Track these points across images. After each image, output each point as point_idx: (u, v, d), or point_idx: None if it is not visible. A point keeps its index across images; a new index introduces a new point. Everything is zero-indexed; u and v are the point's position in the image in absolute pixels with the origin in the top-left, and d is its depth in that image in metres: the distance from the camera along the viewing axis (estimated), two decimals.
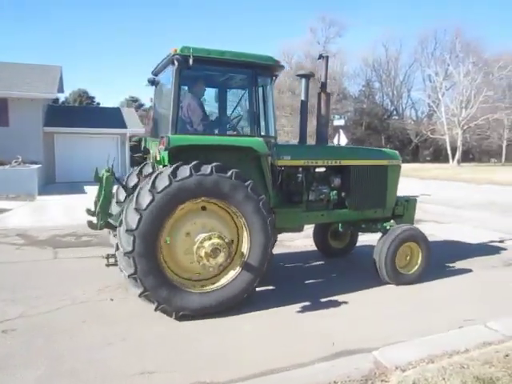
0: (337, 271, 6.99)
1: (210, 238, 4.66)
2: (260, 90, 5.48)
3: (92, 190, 17.32)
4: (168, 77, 5.26)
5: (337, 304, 5.41)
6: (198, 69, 5.08)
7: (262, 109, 5.50)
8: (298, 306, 5.27)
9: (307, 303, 5.36)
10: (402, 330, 4.63)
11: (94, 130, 22.81)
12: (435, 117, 48.63)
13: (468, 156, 57.18)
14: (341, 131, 15.41)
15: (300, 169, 5.94)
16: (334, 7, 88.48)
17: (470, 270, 6.96)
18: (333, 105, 46.11)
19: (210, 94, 6.08)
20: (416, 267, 6.24)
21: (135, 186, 5.61)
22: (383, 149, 7.39)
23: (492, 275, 6.79)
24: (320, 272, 6.99)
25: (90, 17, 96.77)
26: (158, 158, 5.02)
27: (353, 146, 7.16)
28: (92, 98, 54.06)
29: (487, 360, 3.71)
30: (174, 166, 4.63)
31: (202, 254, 4.64)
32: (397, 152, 7.02)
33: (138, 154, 6.50)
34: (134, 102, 52.43)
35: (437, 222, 11.81)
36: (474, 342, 4.23)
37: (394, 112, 61.56)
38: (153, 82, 6.14)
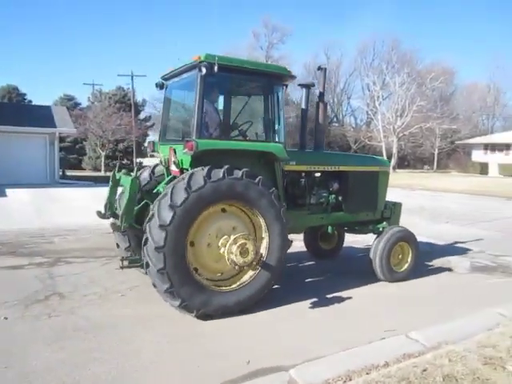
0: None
1: (239, 239, 4.87)
2: (274, 97, 5.66)
3: (14, 194, 16.06)
4: (188, 82, 5.50)
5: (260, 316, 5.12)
6: (220, 76, 5.21)
7: (276, 116, 5.67)
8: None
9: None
10: (326, 342, 4.41)
11: (20, 128, 21.31)
12: (373, 124, 50.33)
13: (404, 163, 59.67)
14: None
15: (303, 174, 6.32)
16: (276, 13, 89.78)
17: None
18: None
19: (227, 100, 6.45)
20: (406, 265, 6.74)
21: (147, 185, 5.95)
22: (375, 156, 7.90)
23: (416, 282, 6.78)
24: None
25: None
26: (176, 161, 5.26)
27: (348, 153, 8.18)
28: (23, 95, 51.02)
29: (404, 376, 3.52)
30: (207, 168, 4.80)
31: (233, 253, 4.82)
32: (386, 159, 7.53)
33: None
34: (70, 101, 50.01)
35: None
36: (395, 355, 4.06)
37: (335, 119, 63.13)
38: (161, 86, 6.25)
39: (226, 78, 5.60)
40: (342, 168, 6.61)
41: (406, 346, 4.27)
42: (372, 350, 4.22)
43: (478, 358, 3.78)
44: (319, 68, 6.59)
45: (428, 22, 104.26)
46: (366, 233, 7.20)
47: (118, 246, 6.24)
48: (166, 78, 6.19)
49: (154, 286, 4.82)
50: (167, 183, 5.46)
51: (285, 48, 59.29)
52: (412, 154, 57.59)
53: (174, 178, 5.28)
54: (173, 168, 5.46)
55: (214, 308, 4.89)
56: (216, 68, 4.96)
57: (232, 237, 4.91)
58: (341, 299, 5.80)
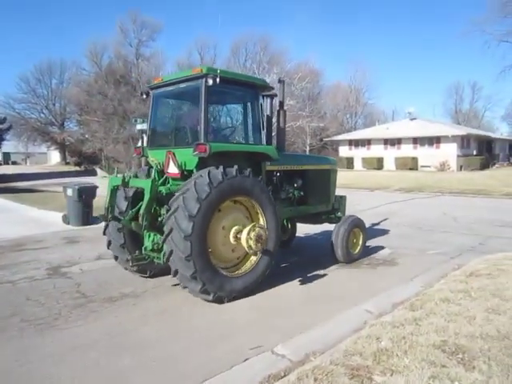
0: None
1: (255, 228, 5.61)
2: (259, 105, 6.46)
3: None
4: (187, 92, 6.23)
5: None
6: (219, 86, 5.65)
7: (262, 120, 6.42)
8: None
9: None
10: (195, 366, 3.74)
11: None
12: None
13: None
14: (144, 136, 14.18)
15: (275, 172, 7.05)
16: (144, 5, 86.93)
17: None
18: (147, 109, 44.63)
19: (223, 107, 7.30)
20: (358, 248, 7.84)
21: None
22: (327, 156, 9.26)
23: (281, 288, 6.46)
24: None
25: None
26: (177, 163, 5.75)
27: (307, 154, 9.32)
28: None
29: None
30: (221, 167, 5.43)
31: (252, 240, 5.53)
32: (335, 159, 9.03)
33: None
34: None
35: None
36: (259, 378, 3.55)
37: None
38: (147, 94, 6.73)
39: (224, 88, 6.00)
40: (304, 167, 7.61)
41: (271, 365, 3.78)
42: (231, 378, 3.65)
43: (344, 372, 3.42)
44: (279, 81, 7.24)
45: (294, 24, 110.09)
46: (321, 223, 8.39)
47: (109, 243, 6.47)
48: (153, 87, 6.59)
49: (176, 273, 5.28)
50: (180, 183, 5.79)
51: (156, 45, 57.29)
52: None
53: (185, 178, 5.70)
54: (173, 170, 5.86)
55: (226, 292, 5.49)
56: (218, 80, 5.52)
57: (248, 227, 5.64)
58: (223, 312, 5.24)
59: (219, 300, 5.44)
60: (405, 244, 9.06)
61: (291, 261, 7.80)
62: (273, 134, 7.22)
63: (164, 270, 6.24)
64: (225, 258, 5.86)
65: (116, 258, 6.52)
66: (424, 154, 40.48)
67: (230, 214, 5.80)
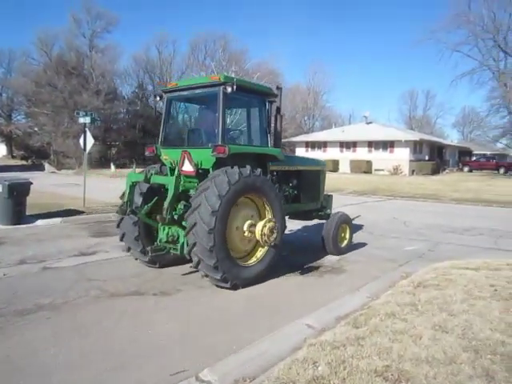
0: None
1: (269, 222, 6.23)
2: (266, 110, 7.01)
3: None
4: (203, 97, 6.79)
5: None
6: (233, 93, 6.11)
7: (268, 125, 6.97)
8: None
9: None
10: None
11: None
12: None
13: None
14: (87, 130, 13.30)
15: (274, 172, 7.42)
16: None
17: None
18: (101, 104, 43.02)
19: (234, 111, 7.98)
20: (346, 242, 8.52)
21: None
22: (317, 158, 9.97)
23: (227, 296, 5.94)
24: None
25: None
26: (195, 162, 6.20)
27: (300, 156, 9.95)
28: None
29: None
30: (236, 167, 5.92)
31: (266, 232, 6.15)
32: (324, 161, 9.94)
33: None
34: None
35: None
36: None
37: None
38: (160, 97, 7.18)
39: (237, 94, 6.34)
40: (299, 168, 8.15)
41: None
42: None
43: None
44: (277, 88, 7.24)
45: (255, 23, 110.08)
46: (311, 219, 9.04)
47: (123, 236, 6.84)
48: (167, 91, 7.04)
49: (197, 264, 5.75)
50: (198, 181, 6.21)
51: (111, 38, 55.29)
52: None
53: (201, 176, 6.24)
54: (188, 168, 6.25)
55: (241, 280, 5.99)
56: (234, 87, 6.03)
57: (262, 221, 6.29)
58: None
59: (234, 287, 5.93)
60: (354, 249, 8.77)
61: None
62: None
63: (171, 262, 7.03)
64: (238, 249, 6.31)
65: (129, 249, 6.96)
66: (378, 158, 41.13)
67: (243, 210, 6.29)
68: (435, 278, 6.06)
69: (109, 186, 24.16)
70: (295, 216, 8.64)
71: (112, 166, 41.17)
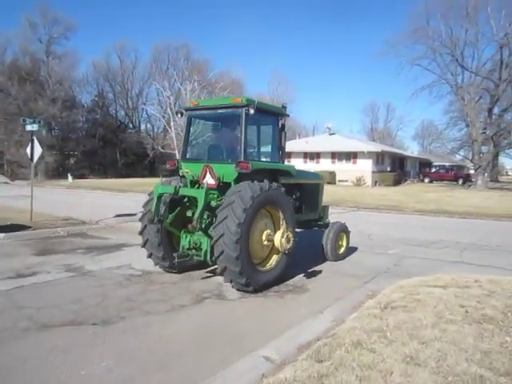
0: None
1: (286, 232, 6.86)
2: (279, 129, 7.55)
3: None
4: (226, 116, 7.32)
5: None
6: (254, 114, 6.69)
7: (281, 142, 7.54)
8: None
9: None
10: None
11: None
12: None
13: None
14: (34, 138, 12.38)
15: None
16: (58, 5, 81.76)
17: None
18: (57, 112, 41.39)
19: (253, 131, 7.72)
20: (343, 249, 9.13)
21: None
22: (316, 172, 10.73)
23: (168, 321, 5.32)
24: None
25: None
26: (219, 176, 6.82)
27: (302, 170, 9.30)
28: None
29: None
30: (256, 181, 6.46)
31: (284, 241, 6.74)
32: (322, 174, 10.55)
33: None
34: None
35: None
36: None
37: (130, 125, 60.20)
38: (182, 114, 7.67)
39: (257, 115, 6.81)
40: (301, 181, 8.53)
41: None
42: None
43: None
44: (282, 106, 7.77)
45: (217, 34, 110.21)
46: (310, 228, 9.48)
47: (145, 243, 7.25)
48: (189, 109, 7.57)
49: (223, 270, 6.20)
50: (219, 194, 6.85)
51: (70, 44, 53.56)
52: None
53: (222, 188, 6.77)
54: (210, 181, 6.78)
55: (260, 284, 6.49)
56: (256, 109, 6.55)
57: (281, 230, 6.85)
58: None
59: (255, 291, 6.43)
60: (318, 265, 8.33)
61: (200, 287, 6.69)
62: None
63: (189, 268, 7.53)
64: (256, 256, 6.75)
65: (150, 255, 7.32)
66: (342, 169, 41.36)
67: (261, 220, 6.76)
68: (403, 299, 5.65)
69: (64, 199, 23.00)
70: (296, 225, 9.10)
71: (69, 177, 39.57)
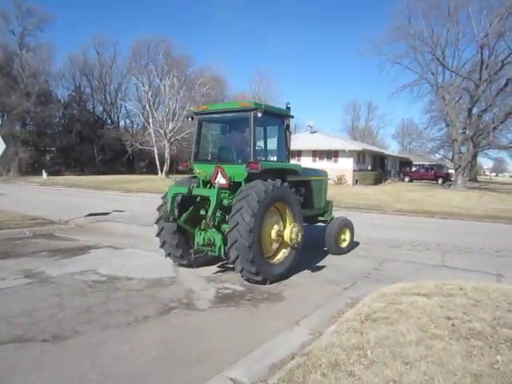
0: None
1: (294, 226, 7.20)
2: (284, 130, 7.98)
3: None
4: (235, 120, 7.75)
5: None
6: (261, 117, 7.07)
7: (286, 142, 7.98)
8: None
9: None
10: None
11: None
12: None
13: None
14: None
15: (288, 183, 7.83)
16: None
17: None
18: (32, 107, 40.14)
19: (260, 133, 8.25)
20: (346, 243, 9.61)
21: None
22: (319, 169, 10.42)
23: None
24: None
25: None
26: (229, 176, 7.19)
27: (307, 167, 9.68)
28: None
29: None
30: (269, 180, 6.95)
31: (293, 235, 7.11)
32: (326, 171, 10.46)
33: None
34: None
35: (113, 248, 9.65)
36: None
37: (109, 121, 58.91)
38: (192, 118, 8.13)
39: (264, 117, 7.13)
40: (307, 178, 8.95)
41: None
42: None
43: None
44: (286, 107, 7.96)
45: (199, 31, 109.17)
46: (315, 222, 9.82)
47: (163, 243, 7.69)
48: (199, 113, 7.93)
49: (236, 258, 6.62)
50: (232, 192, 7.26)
51: (45, 36, 51.92)
52: (189, 159, 57.99)
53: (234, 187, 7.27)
54: (222, 181, 7.17)
55: (269, 276, 6.93)
56: (263, 112, 7.01)
57: (290, 225, 7.27)
58: None
59: (264, 281, 6.82)
60: (296, 269, 7.92)
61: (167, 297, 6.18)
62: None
63: (203, 263, 7.82)
64: (266, 249, 7.13)
65: (169, 254, 7.76)
66: (323, 167, 40.85)
67: (271, 216, 7.16)
68: (384, 309, 5.26)
69: (35, 196, 22.12)
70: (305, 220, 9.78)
71: (44, 173, 38.40)
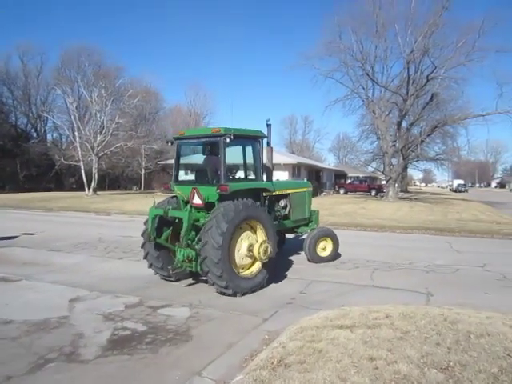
0: None
1: (264, 242, 7.56)
2: (257, 151, 8.48)
3: None
4: (207, 144, 8.40)
5: None
6: (232, 141, 7.57)
7: (260, 162, 8.47)
8: None
9: None
10: None
11: None
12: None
13: (115, 184, 57.06)
14: None
15: (267, 197, 8.83)
16: None
17: None
18: None
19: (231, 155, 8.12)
20: (328, 252, 10.30)
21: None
22: (303, 181, 12.82)
23: None
24: None
25: None
26: (203, 197, 7.59)
27: (289, 180, 10.25)
28: None
29: None
30: (239, 199, 7.35)
31: (262, 251, 7.44)
32: (310, 182, 11.51)
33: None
34: None
35: (4, 280, 8.28)
36: None
37: (34, 134, 55.30)
38: (172, 142, 8.67)
39: (235, 141, 7.72)
40: (288, 191, 9.76)
41: None
42: None
43: None
44: (267, 124, 8.63)
45: (133, 42, 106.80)
46: (299, 233, 10.58)
47: (147, 255, 8.13)
48: (177, 138, 8.52)
49: (206, 273, 7.01)
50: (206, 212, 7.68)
51: None
52: (121, 175, 55.72)
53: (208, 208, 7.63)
54: (197, 201, 7.63)
55: (240, 289, 7.22)
56: (232, 137, 7.48)
57: (259, 242, 7.61)
58: None
59: (234, 294, 7.09)
60: (213, 298, 7.07)
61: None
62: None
63: (183, 277, 8.18)
64: (238, 264, 7.45)
65: (151, 265, 8.12)
66: None
67: (243, 232, 7.55)
68: (301, 349, 4.52)
69: None
70: (285, 231, 10.22)
71: None
